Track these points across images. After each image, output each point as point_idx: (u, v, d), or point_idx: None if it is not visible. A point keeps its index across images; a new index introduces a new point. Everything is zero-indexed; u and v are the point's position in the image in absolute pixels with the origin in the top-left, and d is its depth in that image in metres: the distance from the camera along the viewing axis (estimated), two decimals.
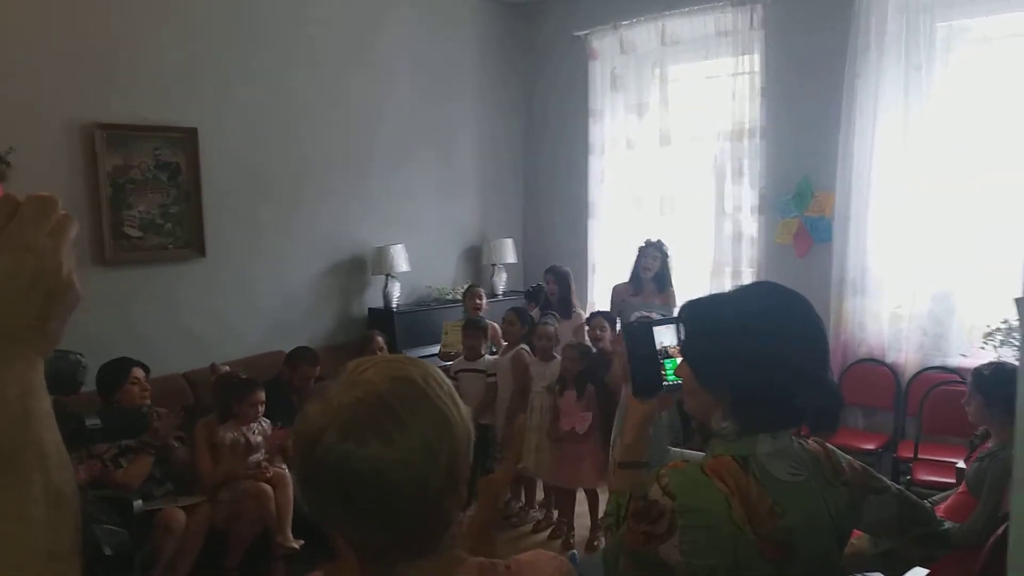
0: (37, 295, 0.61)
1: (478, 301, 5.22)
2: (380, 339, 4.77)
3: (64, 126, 4.17)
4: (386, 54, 5.63)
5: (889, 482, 1.46)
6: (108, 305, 4.22)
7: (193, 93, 4.62)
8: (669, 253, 5.00)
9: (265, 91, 4.95)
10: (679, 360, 1.49)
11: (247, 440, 3.93)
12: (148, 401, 3.86)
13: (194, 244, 4.69)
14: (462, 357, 4.77)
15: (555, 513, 4.54)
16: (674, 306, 4.79)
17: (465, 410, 0.98)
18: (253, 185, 4.95)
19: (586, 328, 4.74)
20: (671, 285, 4.95)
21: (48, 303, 0.62)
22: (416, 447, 0.90)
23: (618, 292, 5.11)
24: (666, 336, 1.50)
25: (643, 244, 5.03)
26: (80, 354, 0.88)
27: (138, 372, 3.85)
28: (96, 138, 4.24)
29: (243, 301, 4.94)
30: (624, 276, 5.14)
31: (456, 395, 0.98)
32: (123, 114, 4.35)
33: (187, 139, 4.60)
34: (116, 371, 3.79)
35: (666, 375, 1.49)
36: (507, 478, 1.57)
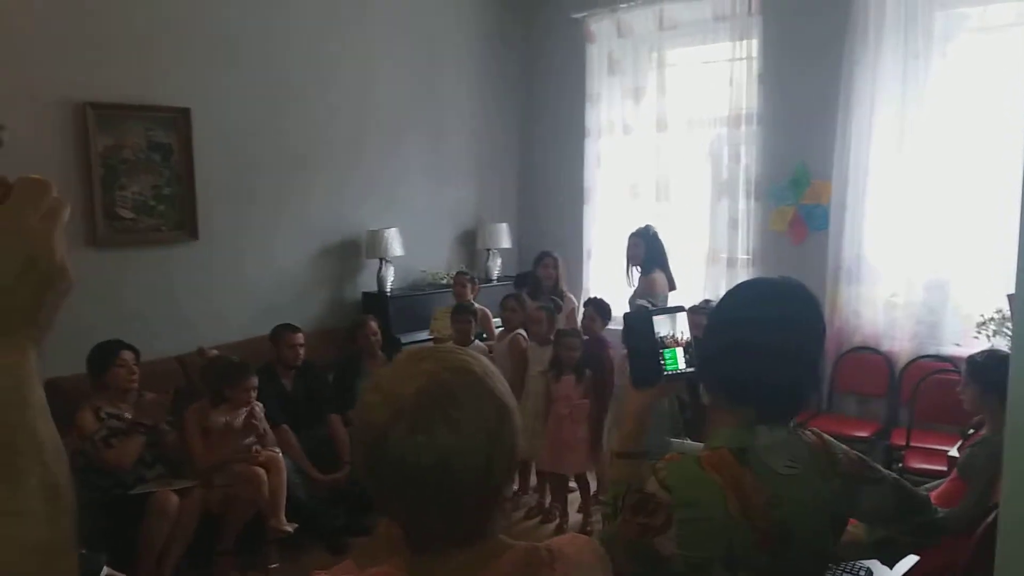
0: (29, 281, 0.59)
1: (464, 287, 5.20)
2: (374, 323, 4.77)
3: (56, 105, 4.12)
4: (381, 35, 5.58)
5: (885, 471, 1.47)
6: (100, 287, 4.19)
7: (186, 73, 4.58)
8: (656, 237, 4.96)
9: (259, 73, 4.90)
10: (678, 350, 1.49)
11: (240, 424, 3.91)
12: (136, 385, 3.85)
13: (187, 226, 4.66)
14: (451, 342, 4.76)
15: (548, 498, 4.54)
16: (660, 292, 4.77)
17: (515, 402, 1.00)
18: (247, 167, 4.91)
19: (580, 314, 4.74)
20: (655, 270, 4.88)
21: (41, 290, 0.60)
22: (481, 435, 0.91)
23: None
24: (665, 326, 1.50)
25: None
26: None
27: (127, 355, 3.82)
28: (88, 117, 4.19)
29: (236, 284, 4.92)
30: (623, 262, 5.14)
31: (508, 386, 0.99)
32: (115, 94, 4.30)
33: (180, 120, 4.55)
34: (104, 353, 3.77)
35: (665, 365, 1.48)
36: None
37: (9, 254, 0.58)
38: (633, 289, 4.96)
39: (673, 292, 4.94)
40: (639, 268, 4.96)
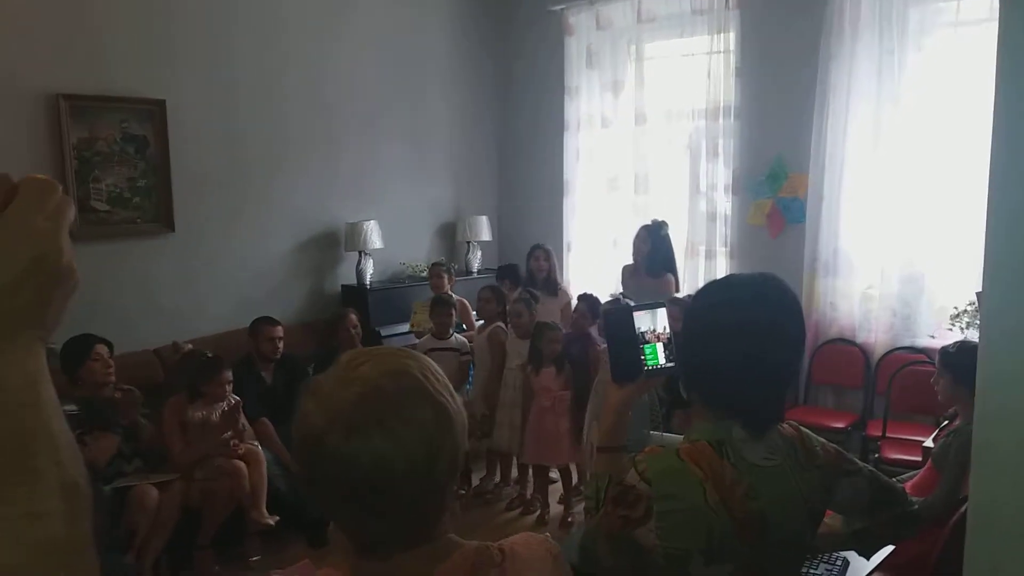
0: (37, 281, 0.59)
1: (440, 278, 5.19)
2: (354, 316, 4.75)
3: (28, 96, 4.07)
4: (359, 27, 5.54)
5: (861, 464, 1.50)
6: None
7: (161, 65, 4.53)
8: (667, 237, 4.94)
9: (236, 64, 4.86)
10: (659, 345, 1.50)
11: (217, 418, 3.89)
12: (112, 378, 3.81)
13: (163, 219, 4.62)
14: (430, 335, 4.76)
15: (529, 490, 4.56)
16: (673, 292, 4.77)
17: (460, 400, 0.99)
18: (223, 159, 4.87)
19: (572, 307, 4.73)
20: (669, 271, 4.86)
21: (48, 289, 0.59)
22: (419, 440, 0.91)
23: (623, 273, 5.12)
24: (646, 321, 1.50)
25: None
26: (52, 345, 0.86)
27: (101, 349, 3.79)
28: (61, 109, 4.14)
29: (213, 277, 4.89)
30: (602, 255, 5.14)
31: (451, 386, 0.99)
32: (88, 85, 4.25)
33: (155, 111, 4.51)
34: (78, 347, 3.73)
35: (646, 360, 1.49)
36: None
37: (17, 254, 0.58)
38: (629, 281, 4.95)
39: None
40: (643, 267, 4.92)
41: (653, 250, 4.89)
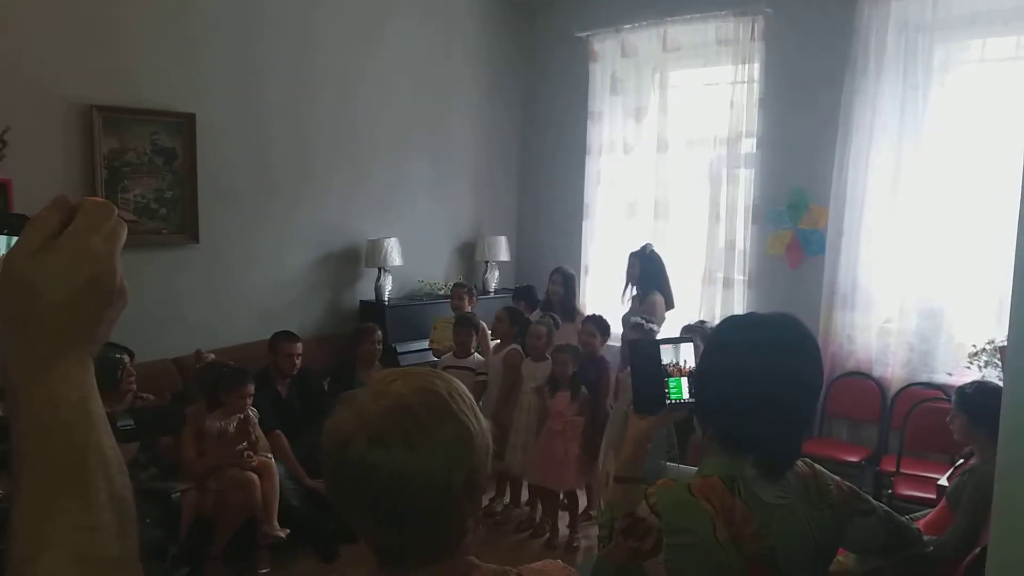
0: (92, 299, 0.62)
1: (461, 299, 5.21)
2: (379, 332, 4.79)
3: (62, 107, 4.15)
4: (386, 47, 5.62)
5: (876, 503, 1.50)
6: None
7: (193, 79, 4.61)
8: (653, 256, 4.98)
9: (265, 81, 4.94)
10: (683, 379, 1.51)
11: (234, 430, 3.92)
12: (134, 387, 3.85)
13: (188, 230, 4.68)
14: (451, 354, 4.78)
15: (538, 513, 4.56)
16: (660, 314, 4.78)
17: (485, 423, 1.02)
18: (249, 174, 4.94)
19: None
20: (653, 292, 4.89)
21: (101, 307, 0.63)
22: (438, 455, 0.94)
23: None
24: (671, 354, 1.52)
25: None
26: (121, 352, 0.89)
27: (123, 357, 3.83)
28: (94, 120, 4.22)
29: (235, 289, 4.94)
30: (620, 279, 5.16)
31: (477, 408, 1.02)
32: (121, 97, 4.33)
33: (185, 125, 4.58)
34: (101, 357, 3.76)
35: (669, 394, 1.50)
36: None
37: (75, 273, 0.61)
38: (628, 308, 4.99)
39: (671, 311, 4.96)
40: (635, 288, 4.98)
41: (643, 272, 4.94)
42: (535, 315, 5.04)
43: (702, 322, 4.70)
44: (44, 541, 0.56)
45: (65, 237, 0.62)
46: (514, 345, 4.66)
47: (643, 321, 4.21)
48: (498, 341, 4.87)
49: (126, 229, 0.66)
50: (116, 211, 0.65)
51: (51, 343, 0.60)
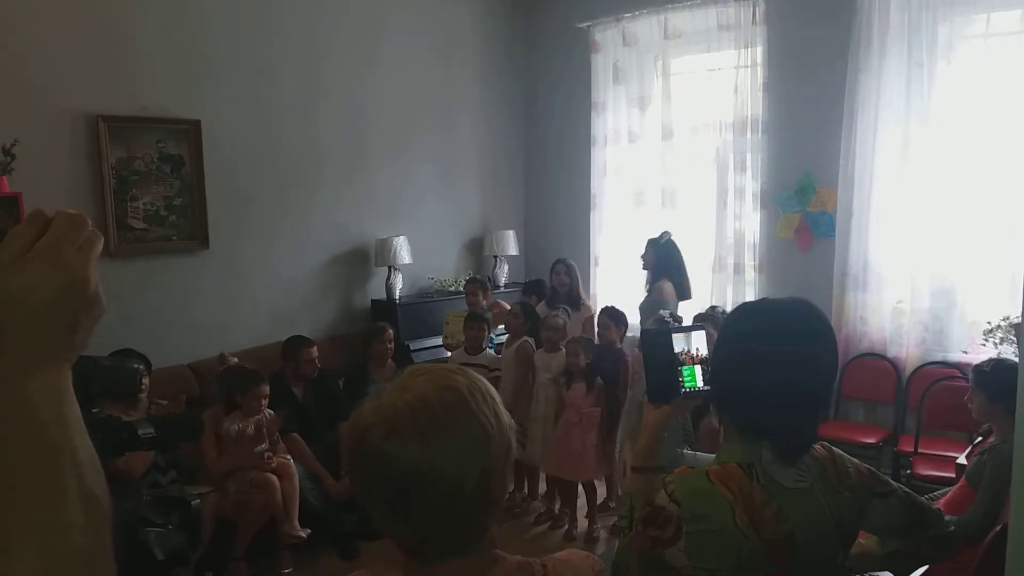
0: (66, 308, 0.64)
1: (476, 295, 5.21)
2: (391, 332, 4.81)
3: (68, 118, 4.17)
4: (388, 47, 5.62)
5: (896, 485, 1.49)
6: (112, 297, 4.13)
7: (197, 86, 4.62)
8: (668, 244, 4.95)
9: (268, 84, 4.95)
10: (697, 368, 1.51)
11: (252, 431, 3.95)
12: (145, 392, 3.88)
13: (198, 236, 4.70)
14: (463, 349, 4.79)
15: (557, 505, 4.57)
16: (668, 299, 4.75)
17: (507, 423, 1.02)
18: (256, 177, 4.96)
19: (595, 321, 4.74)
20: (662, 279, 4.85)
21: (76, 315, 0.65)
22: (451, 452, 0.94)
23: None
24: (683, 343, 1.52)
25: None
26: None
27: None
28: (101, 130, 4.24)
29: (246, 292, 4.96)
30: (630, 269, 5.16)
31: (500, 409, 1.02)
32: (127, 106, 4.35)
33: (191, 132, 4.60)
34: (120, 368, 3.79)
35: (683, 382, 1.51)
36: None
37: (49, 282, 0.63)
38: (645, 296, 4.97)
39: (687, 301, 4.91)
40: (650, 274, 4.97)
41: (656, 259, 4.92)
42: (540, 307, 5.04)
43: (714, 307, 4.70)
44: (9, 537, 0.58)
45: (38, 249, 0.64)
46: (525, 338, 4.67)
47: (666, 316, 4.21)
48: (509, 335, 4.88)
49: (102, 239, 0.68)
50: (89, 222, 0.67)
51: (28, 351, 0.62)
